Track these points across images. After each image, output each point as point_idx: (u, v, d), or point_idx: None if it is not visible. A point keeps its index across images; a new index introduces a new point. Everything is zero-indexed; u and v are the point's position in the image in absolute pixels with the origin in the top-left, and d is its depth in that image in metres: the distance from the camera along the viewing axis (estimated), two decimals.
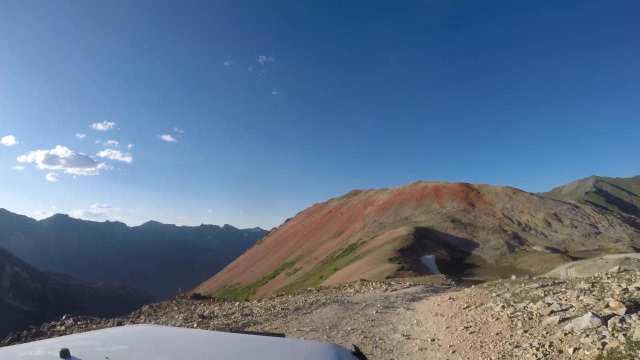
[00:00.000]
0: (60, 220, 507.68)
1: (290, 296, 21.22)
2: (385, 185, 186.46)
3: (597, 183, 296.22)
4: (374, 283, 26.17)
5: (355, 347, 2.59)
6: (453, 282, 32.68)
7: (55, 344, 2.09)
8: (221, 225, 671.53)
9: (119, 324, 6.29)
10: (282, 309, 14.40)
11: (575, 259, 75.21)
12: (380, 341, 9.73)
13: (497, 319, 10.09)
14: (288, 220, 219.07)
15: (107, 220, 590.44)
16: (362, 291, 22.50)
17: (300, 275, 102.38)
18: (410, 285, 21.39)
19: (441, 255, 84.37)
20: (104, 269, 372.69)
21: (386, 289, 20.49)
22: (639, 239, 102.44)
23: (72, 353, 1.82)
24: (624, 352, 5.83)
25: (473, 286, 18.48)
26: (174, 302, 22.43)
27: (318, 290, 27.62)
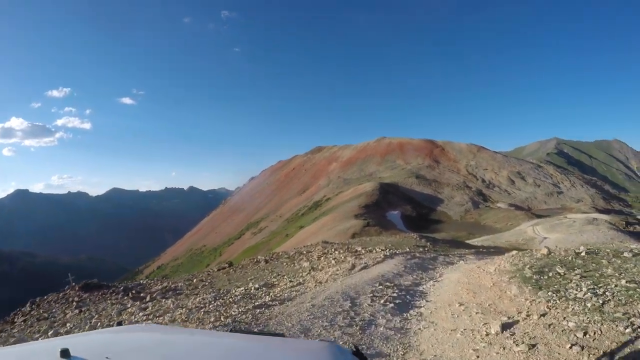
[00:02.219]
0: (21, 196, 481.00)
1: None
2: (349, 142, 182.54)
3: (559, 145, 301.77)
4: (336, 252, 20.05)
5: (355, 346, 2.41)
6: (429, 244, 27.05)
7: (56, 343, 1.97)
8: (186, 188, 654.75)
9: (119, 324, 3.30)
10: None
11: (539, 216, 76.10)
12: None
13: None
14: (252, 179, 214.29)
15: (69, 192, 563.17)
16: (320, 267, 16.47)
17: (266, 235, 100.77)
18: (384, 257, 15.38)
19: (406, 211, 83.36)
20: (72, 242, 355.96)
21: (352, 266, 14.35)
22: (599, 200, 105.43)
23: (72, 353, 1.76)
24: None
25: (495, 261, 12.69)
26: (58, 299, 16.17)
27: (267, 262, 21.80)
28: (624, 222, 58.76)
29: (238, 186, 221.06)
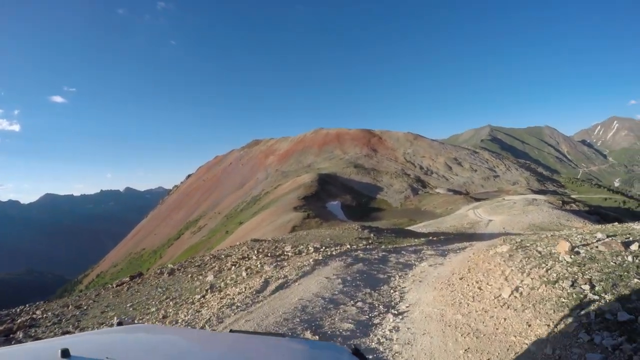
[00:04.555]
0: None
1: None
2: (286, 134, 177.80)
3: (492, 132, 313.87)
4: (254, 258, 14.83)
5: (355, 346, 2.33)
6: (372, 235, 22.27)
7: (56, 343, 1.95)
8: (122, 189, 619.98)
9: (119, 324, 2.60)
10: None
11: (477, 200, 75.42)
12: None
13: None
14: (189, 176, 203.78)
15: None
16: (223, 284, 11.24)
17: (205, 233, 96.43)
18: (314, 264, 10.34)
19: (346, 201, 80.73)
20: (7, 255, 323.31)
21: (264, 283, 9.21)
22: (534, 182, 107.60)
23: (72, 353, 1.72)
24: None
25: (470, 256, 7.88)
26: None
27: (171, 274, 17.32)
28: (561, 202, 58.46)
29: (175, 184, 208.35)
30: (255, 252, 17.01)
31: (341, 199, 79.84)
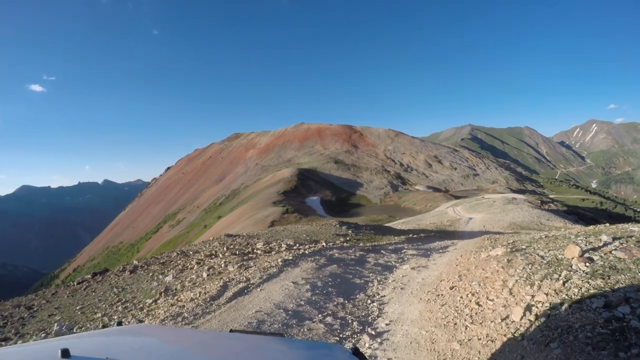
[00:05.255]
0: None
1: None
2: (267, 128, 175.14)
3: (473, 131, 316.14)
4: (220, 255, 13.45)
5: (355, 346, 2.32)
6: (350, 232, 21.04)
7: (56, 343, 1.94)
8: (100, 181, 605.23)
9: (119, 324, 2.91)
10: None
11: (457, 197, 75.22)
12: None
13: None
14: (168, 168, 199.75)
15: None
16: (180, 287, 9.89)
17: (184, 227, 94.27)
18: (283, 264, 9.00)
19: (326, 196, 79.28)
20: None
21: (223, 287, 7.86)
22: (513, 181, 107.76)
23: (72, 353, 1.70)
24: None
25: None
26: None
27: (132, 271, 15.79)
28: (540, 201, 58.16)
29: (154, 177, 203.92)
30: (225, 248, 15.65)
31: (321, 194, 78.71)
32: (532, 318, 4.22)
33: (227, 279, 8.85)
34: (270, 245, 14.70)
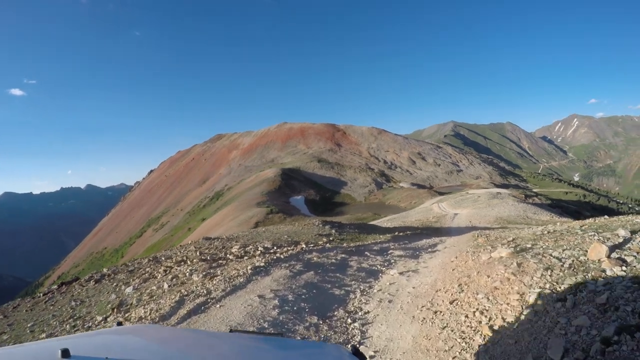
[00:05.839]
0: None
1: None
2: (250, 128, 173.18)
3: (456, 127, 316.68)
4: (188, 262, 12.08)
5: (354, 346, 2.28)
6: (334, 231, 19.80)
7: (56, 343, 1.90)
8: (83, 186, 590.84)
9: (119, 324, 2.66)
10: None
11: (441, 193, 74.09)
12: None
13: None
14: (151, 171, 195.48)
15: None
16: (135, 300, 8.50)
17: (167, 230, 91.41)
18: (251, 273, 7.67)
19: (310, 195, 77.87)
20: None
21: (179, 302, 6.54)
22: (496, 176, 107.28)
23: (72, 352, 1.70)
24: None
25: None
26: None
27: (98, 281, 14.71)
28: (524, 195, 58.07)
29: (137, 180, 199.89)
30: (198, 253, 14.30)
31: (305, 193, 77.59)
32: (580, 356, 2.98)
33: (186, 292, 7.52)
34: (246, 249, 13.38)
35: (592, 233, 6.76)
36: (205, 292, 7.20)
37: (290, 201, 68.96)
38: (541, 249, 5.95)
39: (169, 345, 2.12)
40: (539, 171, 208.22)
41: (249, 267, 8.58)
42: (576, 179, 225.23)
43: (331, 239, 16.68)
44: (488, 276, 4.99)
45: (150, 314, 6.83)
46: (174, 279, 9.97)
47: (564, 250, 5.42)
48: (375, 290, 6.40)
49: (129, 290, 10.74)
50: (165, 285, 9.31)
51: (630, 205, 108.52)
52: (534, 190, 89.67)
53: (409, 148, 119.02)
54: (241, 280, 7.57)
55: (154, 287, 9.71)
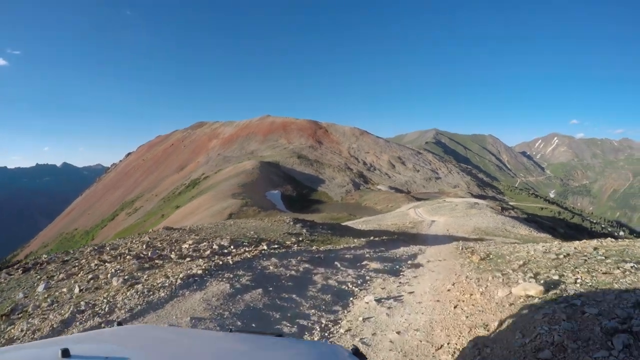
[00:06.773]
0: None
1: None
2: (233, 118, 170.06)
3: (437, 135, 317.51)
4: (129, 257, 9.92)
5: (355, 346, 2.25)
6: (305, 231, 17.81)
7: (56, 343, 1.92)
8: (59, 164, 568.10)
9: (119, 324, 2.42)
10: None
11: (418, 199, 73.52)
12: None
13: None
14: (129, 154, 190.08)
15: None
16: (40, 303, 6.27)
17: (141, 215, 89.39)
18: (182, 286, 5.69)
19: (287, 191, 76.66)
20: None
21: (74, 314, 4.46)
22: (474, 186, 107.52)
23: (72, 352, 1.68)
24: None
25: None
26: None
27: (27, 270, 12.12)
28: (500, 207, 57.12)
29: (114, 162, 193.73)
30: (144, 246, 12.11)
31: (282, 188, 75.95)
32: None
33: (85, 306, 5.40)
34: (199, 246, 11.28)
35: (632, 264, 4.96)
36: (107, 309, 5.11)
37: (266, 195, 67.19)
38: (578, 285, 4.10)
39: (169, 345, 2.04)
40: (516, 185, 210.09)
41: (181, 275, 6.46)
42: (552, 195, 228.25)
43: (300, 239, 14.69)
44: (523, 335, 3.07)
45: (23, 335, 4.73)
46: (92, 281, 7.79)
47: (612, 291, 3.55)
48: (341, 331, 4.40)
49: (40, 288, 8.51)
50: (76, 289, 7.13)
51: (602, 225, 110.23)
52: (510, 203, 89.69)
53: (390, 151, 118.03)
54: (162, 294, 5.48)
55: (65, 290, 7.51)
